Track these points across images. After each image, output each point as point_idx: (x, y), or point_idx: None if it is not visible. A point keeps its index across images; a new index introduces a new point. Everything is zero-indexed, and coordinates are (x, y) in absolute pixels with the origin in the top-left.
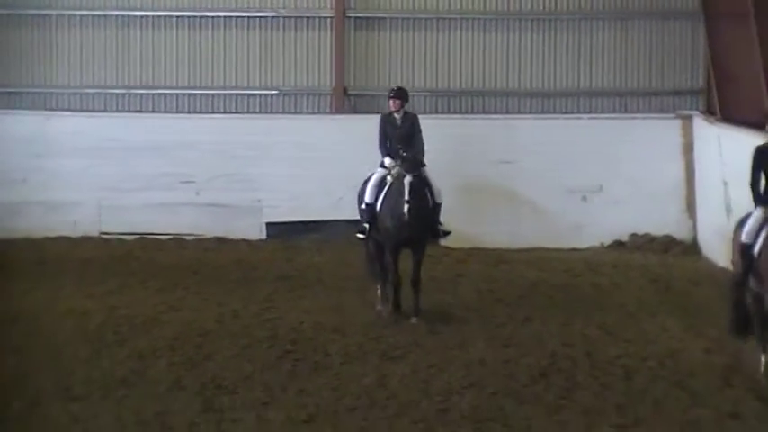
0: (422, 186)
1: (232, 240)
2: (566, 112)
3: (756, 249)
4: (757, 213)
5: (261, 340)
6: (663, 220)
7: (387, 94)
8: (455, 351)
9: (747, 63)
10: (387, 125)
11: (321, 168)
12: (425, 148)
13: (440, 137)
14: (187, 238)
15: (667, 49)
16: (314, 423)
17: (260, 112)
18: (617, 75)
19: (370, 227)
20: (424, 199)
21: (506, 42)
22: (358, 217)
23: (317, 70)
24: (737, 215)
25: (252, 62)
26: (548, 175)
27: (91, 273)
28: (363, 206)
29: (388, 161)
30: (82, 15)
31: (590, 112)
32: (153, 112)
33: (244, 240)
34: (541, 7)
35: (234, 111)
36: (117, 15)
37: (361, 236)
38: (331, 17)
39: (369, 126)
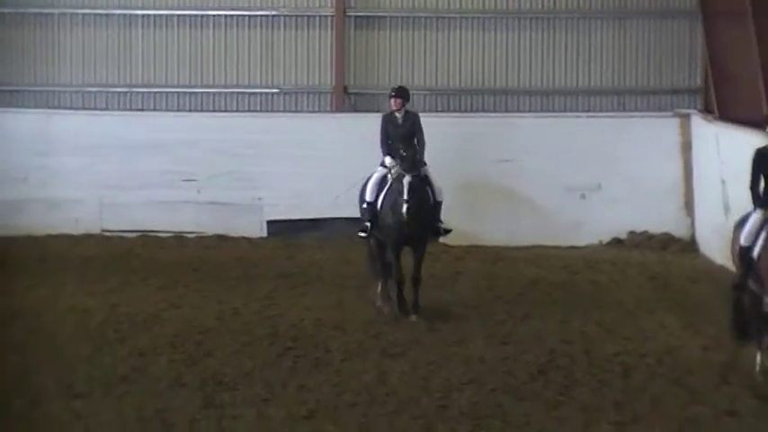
0: (422, 185)
1: (233, 238)
2: (565, 111)
3: (756, 252)
4: (756, 215)
5: (261, 337)
6: (661, 218)
7: (387, 92)
8: (454, 348)
9: (745, 62)
10: (388, 124)
11: (321, 166)
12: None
13: (439, 135)
14: (188, 235)
15: (665, 48)
16: (314, 419)
17: (261, 111)
18: (615, 73)
19: (372, 225)
20: (425, 197)
21: (506, 41)
22: (358, 215)
23: (317, 69)
24: (735, 213)
25: (253, 61)
26: (546, 173)
27: (92, 270)
28: (365, 205)
29: (388, 161)
30: (84, 14)
31: (589, 111)
32: (154, 110)
33: (244, 238)
34: (540, 6)
35: (235, 109)
36: (119, 14)
37: (362, 234)
38: (331, 16)
39: (369, 124)
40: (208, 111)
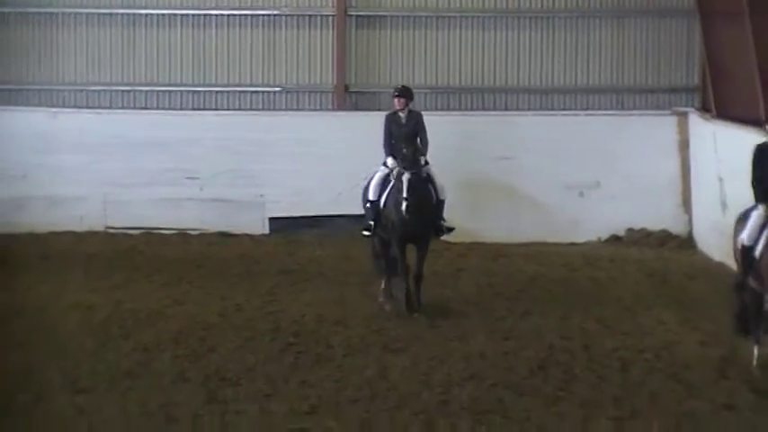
0: (423, 183)
1: (235, 235)
2: (563, 109)
3: (758, 252)
4: (758, 212)
5: (264, 333)
6: (659, 216)
7: (388, 91)
8: (455, 344)
9: (742, 61)
10: (392, 124)
11: (323, 164)
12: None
13: (439, 133)
14: (191, 232)
15: (663, 47)
16: (316, 414)
17: (263, 109)
18: (614, 72)
19: (375, 224)
20: (427, 195)
21: (505, 40)
22: (359, 212)
23: (318, 68)
24: (732, 210)
25: (255, 60)
26: (546, 170)
27: (96, 267)
28: (368, 204)
29: (390, 161)
30: (87, 13)
31: (587, 109)
32: (157, 108)
33: (247, 235)
34: (539, 5)
35: (237, 108)
36: (122, 14)
37: (366, 233)
38: (333, 15)
39: (370, 123)
40: (210, 109)
